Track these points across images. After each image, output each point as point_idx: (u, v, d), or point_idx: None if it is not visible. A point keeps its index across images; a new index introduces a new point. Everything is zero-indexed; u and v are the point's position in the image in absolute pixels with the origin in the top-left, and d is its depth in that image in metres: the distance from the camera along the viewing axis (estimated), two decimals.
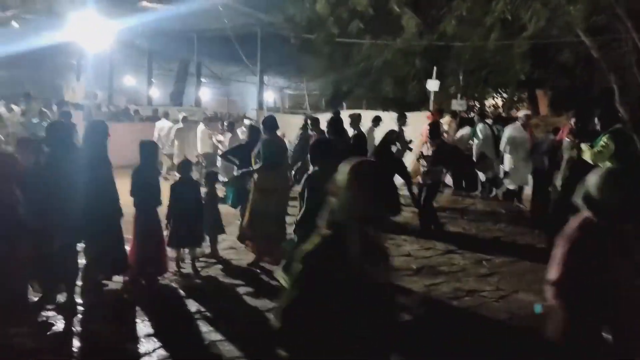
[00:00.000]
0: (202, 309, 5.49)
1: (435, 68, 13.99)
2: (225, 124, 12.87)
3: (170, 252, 6.52)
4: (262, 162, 6.79)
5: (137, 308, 5.49)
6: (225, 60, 26.23)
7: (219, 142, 12.56)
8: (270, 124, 7.11)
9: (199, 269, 6.67)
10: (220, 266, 6.89)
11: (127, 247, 6.13)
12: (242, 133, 13.97)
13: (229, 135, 12.64)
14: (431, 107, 14.06)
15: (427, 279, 6.56)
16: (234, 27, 18.55)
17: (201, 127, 13.23)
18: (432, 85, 13.88)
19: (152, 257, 6.09)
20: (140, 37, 20.79)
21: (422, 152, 8.74)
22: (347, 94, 26.97)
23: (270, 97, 32.40)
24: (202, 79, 31.46)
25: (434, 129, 8.72)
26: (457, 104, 14.03)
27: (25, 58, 28.11)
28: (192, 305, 5.61)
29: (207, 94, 32.66)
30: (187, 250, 6.70)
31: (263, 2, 16.87)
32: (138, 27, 17.96)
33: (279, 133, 7.42)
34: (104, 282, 6.02)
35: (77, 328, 5.02)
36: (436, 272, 6.82)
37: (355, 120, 9.95)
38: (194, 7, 15.75)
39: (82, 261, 5.72)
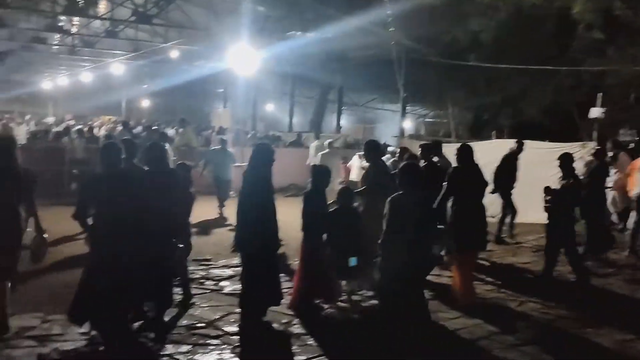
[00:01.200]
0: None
1: (600, 95, 12.81)
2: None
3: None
4: None
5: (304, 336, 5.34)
6: (362, 87, 26.41)
7: (364, 168, 12.33)
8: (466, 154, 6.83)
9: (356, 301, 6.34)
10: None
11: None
12: (386, 160, 13.72)
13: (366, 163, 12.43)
14: (594, 137, 12.90)
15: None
16: (376, 54, 18.54)
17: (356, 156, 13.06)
18: (596, 112, 12.70)
19: (319, 285, 5.89)
20: (284, 64, 21.41)
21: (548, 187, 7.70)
22: (488, 122, 25.95)
23: (407, 124, 31.98)
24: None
25: (566, 161, 7.63)
26: (627, 134, 12.73)
27: (178, 87, 30.42)
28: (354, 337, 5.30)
29: (343, 120, 33.11)
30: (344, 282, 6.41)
31: (406, 27, 16.61)
32: (284, 55, 18.46)
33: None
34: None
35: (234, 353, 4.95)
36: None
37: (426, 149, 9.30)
38: (338, 34, 15.97)
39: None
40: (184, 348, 4.98)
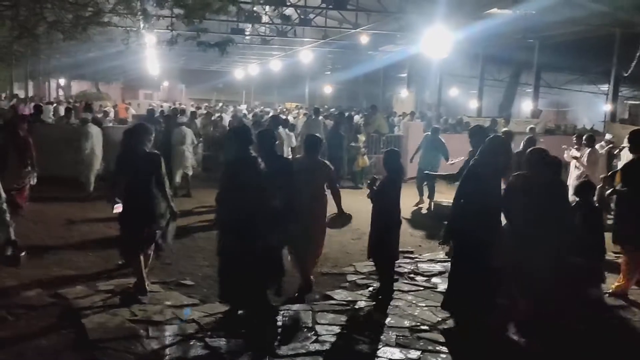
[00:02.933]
0: None
1: None
2: (583, 137, 11.27)
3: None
4: None
5: None
6: (558, 67, 24.21)
7: (575, 158, 11.07)
8: None
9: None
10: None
11: None
12: (600, 148, 12.23)
13: (586, 150, 11.08)
14: None
15: None
16: (582, 30, 16.73)
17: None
18: None
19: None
20: (474, 45, 20.29)
21: None
22: None
23: (607, 107, 28.85)
24: (528, 89, 29.79)
25: None
26: None
27: (359, 72, 30.61)
28: None
29: (530, 104, 30.77)
30: None
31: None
32: (474, 35, 17.37)
33: None
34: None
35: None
36: None
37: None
38: (541, 8, 14.56)
39: None
40: (414, 354, 4.64)
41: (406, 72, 27.12)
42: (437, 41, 14.84)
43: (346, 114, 16.71)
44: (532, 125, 12.89)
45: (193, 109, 18.45)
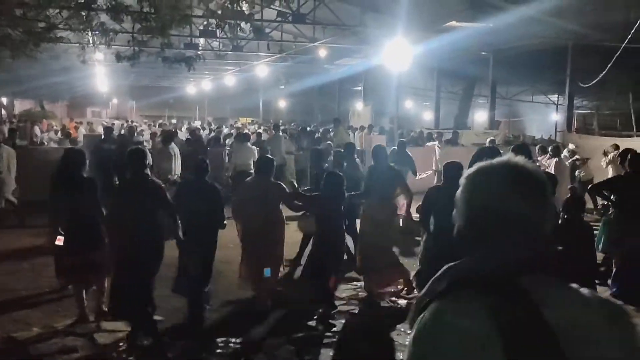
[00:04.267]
0: None
1: None
2: (548, 148, 11.36)
3: None
4: None
5: None
6: (510, 79, 24.67)
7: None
8: None
9: None
10: None
11: None
12: (565, 158, 12.36)
13: (553, 160, 11.17)
14: None
15: None
16: (537, 44, 17.01)
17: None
18: None
19: None
20: (430, 58, 20.40)
21: None
22: None
23: (557, 117, 29.63)
24: (480, 100, 30.30)
25: None
26: None
27: (314, 86, 30.48)
28: None
29: (483, 116, 31.32)
30: None
31: (576, 13, 14.93)
32: (430, 49, 17.45)
33: None
34: None
35: None
36: None
37: None
38: (497, 24, 14.71)
39: None
40: None
41: (361, 86, 27.10)
42: (397, 54, 14.76)
43: (308, 128, 16.44)
44: (492, 137, 12.94)
45: (151, 129, 17.77)
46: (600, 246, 6.92)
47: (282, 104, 38.73)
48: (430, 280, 1.35)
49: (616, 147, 12.45)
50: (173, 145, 11.41)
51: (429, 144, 15.93)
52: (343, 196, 6.05)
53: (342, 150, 8.42)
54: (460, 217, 1.39)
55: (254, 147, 13.05)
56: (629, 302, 6.19)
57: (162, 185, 5.27)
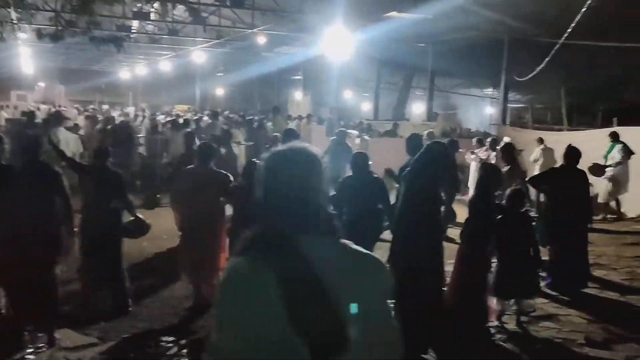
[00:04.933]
0: None
1: None
2: (488, 140, 11.50)
3: (494, 302, 5.32)
4: None
5: None
6: (448, 72, 25.03)
7: (482, 160, 11.24)
8: None
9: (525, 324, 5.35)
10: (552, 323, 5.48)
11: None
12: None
13: (491, 153, 11.30)
14: None
15: None
16: (473, 36, 17.26)
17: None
18: None
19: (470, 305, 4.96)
20: (370, 48, 20.38)
21: None
22: (586, 107, 24.08)
23: (490, 110, 30.38)
24: (418, 92, 30.66)
25: None
26: None
27: (253, 74, 29.96)
28: None
29: (421, 107, 31.72)
30: (511, 302, 5.44)
31: (510, 6, 15.19)
32: (370, 38, 17.39)
33: None
34: None
35: None
36: None
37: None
38: (436, 16, 14.79)
39: None
40: None
41: (301, 75, 26.87)
42: (337, 43, 14.60)
43: (249, 118, 16.05)
44: (430, 130, 12.98)
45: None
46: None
47: (220, 91, 37.91)
48: None
49: (541, 140, 12.76)
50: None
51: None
52: None
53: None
54: (258, 192, 1.68)
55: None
56: (563, 294, 6.28)
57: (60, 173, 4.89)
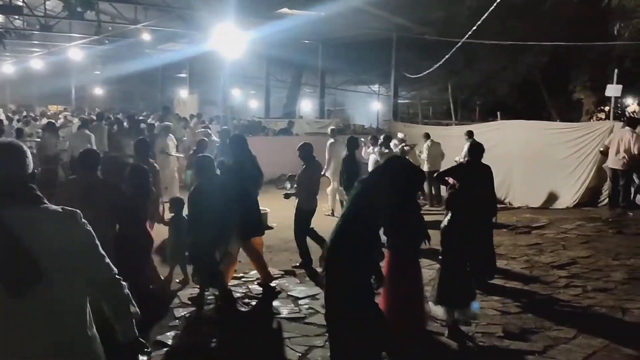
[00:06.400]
0: None
1: (616, 70, 12.19)
2: (381, 138, 11.63)
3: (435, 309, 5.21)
4: None
5: None
6: (336, 69, 25.36)
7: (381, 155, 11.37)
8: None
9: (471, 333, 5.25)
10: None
11: None
12: (394, 146, 12.77)
13: (385, 150, 11.45)
14: (612, 116, 12.44)
15: None
16: (364, 34, 17.56)
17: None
18: (614, 90, 12.07)
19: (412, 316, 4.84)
20: (259, 45, 20.11)
21: None
22: (464, 102, 25.44)
23: (377, 106, 31.21)
24: (307, 89, 30.86)
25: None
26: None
27: (135, 72, 28.51)
28: None
29: (310, 104, 31.95)
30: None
31: (399, 6, 15.60)
32: (262, 36, 17.12)
33: None
34: None
35: None
36: None
37: None
38: (327, 13, 14.84)
39: None
40: None
41: (186, 72, 25.97)
42: (227, 40, 14.16)
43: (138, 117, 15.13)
44: (332, 127, 12.98)
45: None
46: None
47: (99, 90, 35.78)
48: None
49: (427, 136, 13.21)
50: None
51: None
52: (147, 191, 5.56)
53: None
54: None
55: (90, 133, 11.67)
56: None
57: None
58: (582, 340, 5.03)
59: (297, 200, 7.44)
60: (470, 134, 12.10)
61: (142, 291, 5.13)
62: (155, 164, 7.24)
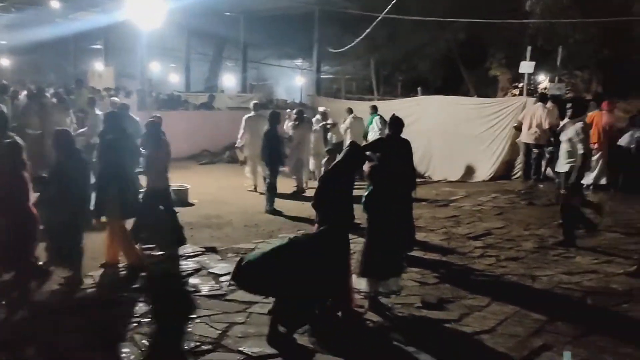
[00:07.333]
0: None
1: (529, 48, 12.65)
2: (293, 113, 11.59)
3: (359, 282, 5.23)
4: None
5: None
6: (258, 43, 24.94)
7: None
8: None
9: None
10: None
11: None
12: (317, 122, 12.73)
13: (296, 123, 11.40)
14: (525, 92, 12.93)
15: None
16: (285, 7, 17.31)
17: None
18: (527, 67, 12.54)
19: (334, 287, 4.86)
20: (179, 16, 19.39)
21: None
22: (387, 77, 25.75)
23: (300, 81, 31.03)
24: (229, 63, 30.18)
25: None
26: (555, 88, 12.75)
27: (45, 43, 26.80)
28: None
29: (232, 79, 31.29)
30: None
31: None
32: (181, 7, 16.51)
33: None
34: None
35: None
36: None
37: None
38: None
39: None
40: None
41: (102, 44, 24.73)
42: (145, 10, 13.56)
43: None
44: (255, 101, 12.75)
45: None
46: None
47: (5, 61, 33.41)
48: None
49: (350, 110, 13.30)
50: None
51: None
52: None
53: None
54: None
55: None
56: None
57: None
58: (495, 307, 5.23)
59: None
60: (374, 108, 12.38)
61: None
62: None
